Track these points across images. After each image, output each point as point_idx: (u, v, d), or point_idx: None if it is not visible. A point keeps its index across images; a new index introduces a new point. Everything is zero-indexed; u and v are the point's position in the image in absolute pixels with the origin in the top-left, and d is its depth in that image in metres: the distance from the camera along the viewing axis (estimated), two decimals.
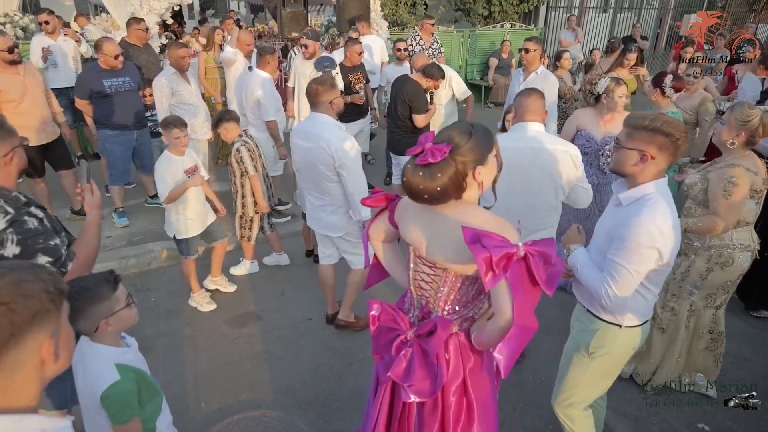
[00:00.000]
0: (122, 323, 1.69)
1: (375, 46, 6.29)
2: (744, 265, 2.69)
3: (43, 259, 1.79)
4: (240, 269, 4.27)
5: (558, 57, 5.66)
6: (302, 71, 5.12)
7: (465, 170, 1.49)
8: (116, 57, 4.44)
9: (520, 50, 4.81)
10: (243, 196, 3.93)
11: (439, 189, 1.47)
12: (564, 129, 3.83)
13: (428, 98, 4.56)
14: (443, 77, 4.47)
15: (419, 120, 4.46)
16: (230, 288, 4.01)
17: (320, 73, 4.78)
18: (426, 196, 1.49)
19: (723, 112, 4.30)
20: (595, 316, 2.03)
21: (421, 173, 1.47)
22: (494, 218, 1.55)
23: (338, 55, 5.61)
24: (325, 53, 5.36)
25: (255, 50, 5.43)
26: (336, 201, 3.06)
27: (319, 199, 3.12)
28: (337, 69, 5.09)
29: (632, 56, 5.57)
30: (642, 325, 2.00)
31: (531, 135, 2.59)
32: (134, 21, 5.33)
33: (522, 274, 1.44)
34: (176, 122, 3.35)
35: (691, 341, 2.92)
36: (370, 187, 5.50)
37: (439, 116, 5.00)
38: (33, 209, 1.88)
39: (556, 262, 1.47)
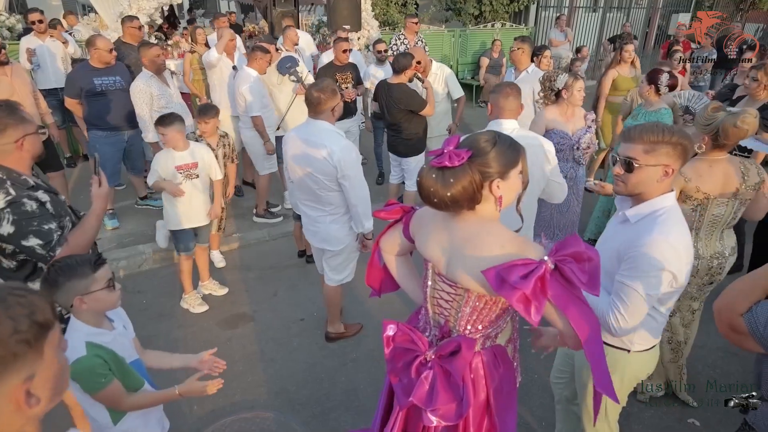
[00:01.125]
0: (99, 304, 1.73)
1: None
2: None
3: (33, 241, 1.92)
4: (219, 261, 4.38)
5: (536, 55, 5.60)
6: (268, 79, 4.84)
7: (482, 181, 1.40)
8: (110, 51, 4.40)
9: (510, 49, 4.86)
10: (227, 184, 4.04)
11: (449, 195, 1.38)
12: (532, 128, 3.84)
13: (418, 81, 4.52)
14: (413, 57, 4.39)
15: (427, 112, 4.48)
16: (221, 291, 3.98)
17: (286, 77, 4.74)
18: (436, 200, 1.41)
19: (687, 108, 4.30)
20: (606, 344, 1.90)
21: (434, 176, 1.39)
22: (514, 237, 1.46)
23: (328, 56, 5.60)
24: (308, 53, 5.33)
25: (238, 50, 5.37)
26: (336, 209, 2.93)
27: (317, 210, 2.97)
28: (301, 65, 4.98)
29: (629, 47, 5.57)
30: (652, 348, 1.91)
31: (507, 132, 2.59)
32: (128, 19, 5.30)
33: (562, 286, 1.33)
34: (158, 122, 3.37)
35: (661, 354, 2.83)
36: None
37: (434, 114, 4.96)
38: (39, 193, 2.00)
39: (591, 256, 1.34)
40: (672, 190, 1.76)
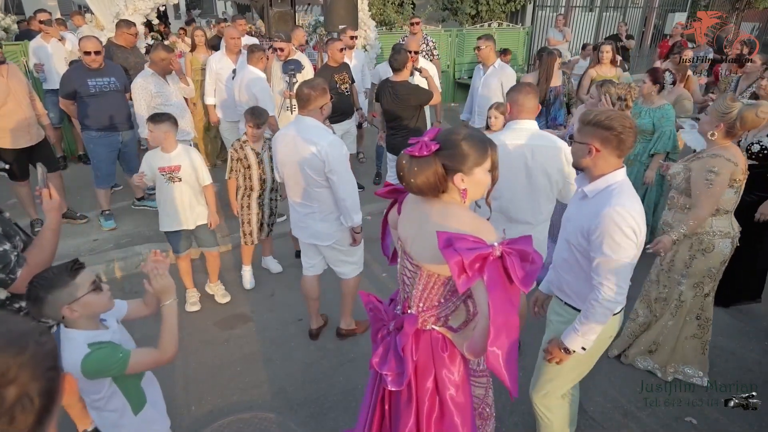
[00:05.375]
0: (90, 308, 1.72)
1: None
2: (725, 251, 2.77)
3: None
4: (275, 267, 4.29)
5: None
6: (275, 73, 5.13)
7: (444, 173, 1.54)
8: (87, 53, 4.32)
9: (474, 48, 5.11)
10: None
11: (414, 182, 1.56)
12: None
13: (416, 72, 4.61)
14: (408, 51, 4.50)
15: (437, 100, 4.61)
16: (224, 299, 3.89)
17: (287, 77, 4.83)
18: (405, 184, 1.59)
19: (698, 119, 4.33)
20: (574, 308, 2.07)
21: (404, 162, 1.57)
22: (474, 219, 1.57)
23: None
24: (304, 54, 5.35)
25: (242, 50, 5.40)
26: (325, 207, 2.95)
27: (306, 207, 3.00)
28: (302, 71, 5.06)
29: (606, 48, 5.59)
30: (619, 312, 2.04)
31: (528, 133, 2.69)
32: (124, 24, 5.28)
33: (499, 274, 1.44)
34: (150, 118, 3.34)
35: (680, 330, 2.99)
36: (360, 187, 5.50)
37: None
38: None
39: (534, 259, 1.46)
40: (623, 167, 1.94)
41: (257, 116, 3.71)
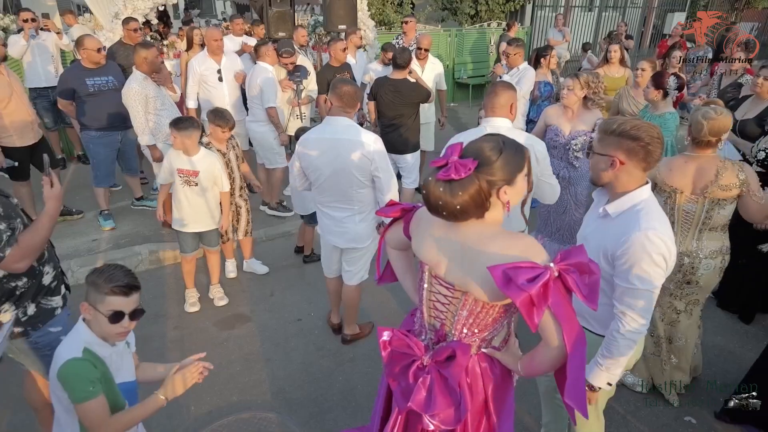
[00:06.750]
0: (96, 325, 1.68)
1: None
2: None
3: None
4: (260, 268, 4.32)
5: (544, 56, 5.62)
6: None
7: (489, 189, 1.39)
8: (98, 50, 4.38)
9: (502, 53, 5.19)
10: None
11: (458, 207, 1.37)
12: (536, 126, 3.90)
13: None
14: (410, 52, 4.62)
15: (431, 99, 4.81)
16: (221, 302, 3.86)
17: (294, 85, 4.89)
18: (445, 213, 1.40)
19: None
20: (597, 334, 1.95)
21: (441, 188, 1.37)
22: (518, 240, 1.45)
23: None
24: (310, 53, 5.34)
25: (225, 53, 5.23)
26: (365, 207, 2.93)
27: (345, 210, 2.93)
28: (308, 76, 5.09)
29: (614, 47, 5.56)
30: None
31: (500, 131, 2.58)
32: (125, 21, 5.36)
33: (563, 296, 1.33)
34: (173, 123, 3.39)
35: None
36: None
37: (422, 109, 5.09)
38: None
39: (593, 269, 1.34)
40: (647, 182, 1.80)
41: (225, 120, 3.66)
